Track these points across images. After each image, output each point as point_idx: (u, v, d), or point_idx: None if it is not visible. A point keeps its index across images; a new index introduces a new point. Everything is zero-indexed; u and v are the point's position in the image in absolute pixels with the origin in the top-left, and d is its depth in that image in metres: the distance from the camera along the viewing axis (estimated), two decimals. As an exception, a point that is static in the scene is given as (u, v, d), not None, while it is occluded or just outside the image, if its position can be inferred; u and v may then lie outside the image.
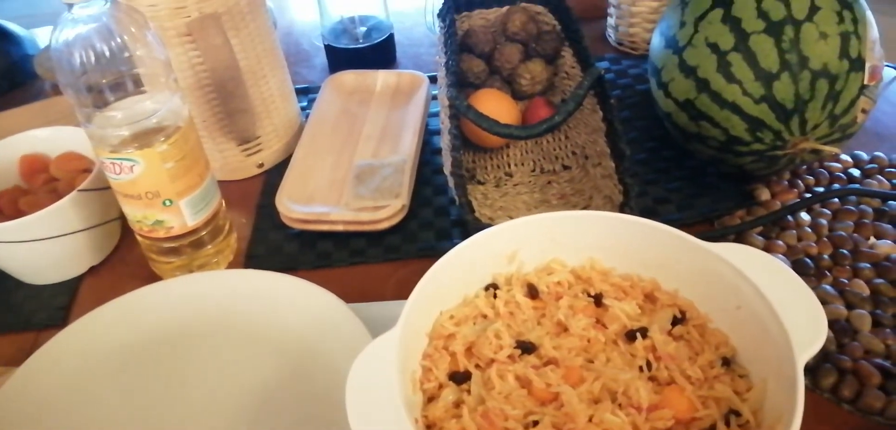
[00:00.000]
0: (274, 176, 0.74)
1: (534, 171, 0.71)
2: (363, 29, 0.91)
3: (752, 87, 0.57)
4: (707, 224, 0.64)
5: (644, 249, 0.47)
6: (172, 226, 0.59)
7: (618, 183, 0.60)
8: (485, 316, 0.46)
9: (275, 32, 0.75)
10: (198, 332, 0.57)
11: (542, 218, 0.47)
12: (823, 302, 0.53)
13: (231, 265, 0.65)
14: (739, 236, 0.61)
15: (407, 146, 0.71)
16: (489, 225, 0.47)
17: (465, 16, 0.79)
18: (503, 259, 0.48)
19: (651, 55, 0.69)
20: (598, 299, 0.46)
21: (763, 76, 0.56)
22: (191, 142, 0.57)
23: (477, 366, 0.43)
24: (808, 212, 0.62)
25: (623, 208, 0.58)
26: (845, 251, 0.58)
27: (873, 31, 0.58)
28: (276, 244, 0.66)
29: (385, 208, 0.64)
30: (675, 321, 0.45)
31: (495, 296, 0.47)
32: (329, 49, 0.91)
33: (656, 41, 0.67)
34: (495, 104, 0.69)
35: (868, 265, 0.57)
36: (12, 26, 1.01)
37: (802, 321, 0.39)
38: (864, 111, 0.59)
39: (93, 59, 0.50)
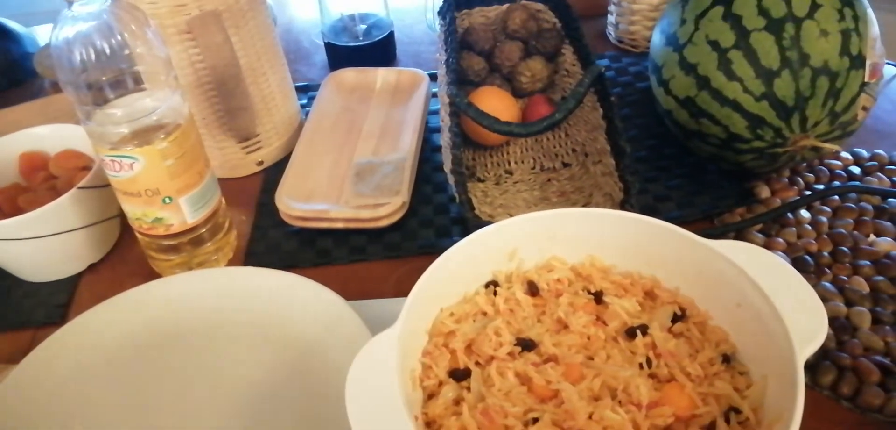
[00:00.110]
0: (274, 174, 0.74)
1: (534, 168, 0.71)
2: (363, 27, 0.91)
3: (753, 84, 0.57)
4: (707, 222, 0.64)
5: (644, 246, 0.47)
6: (172, 223, 0.59)
7: (618, 181, 0.60)
8: (485, 313, 0.46)
9: (275, 30, 0.74)
10: (197, 330, 0.57)
11: (542, 215, 0.47)
12: (823, 299, 0.52)
13: (231, 263, 0.65)
14: (740, 234, 0.61)
15: (407, 144, 0.71)
16: (489, 223, 0.47)
17: (465, 13, 0.79)
18: (503, 257, 0.48)
19: (651, 53, 0.69)
20: (598, 297, 0.46)
21: (764, 73, 0.56)
22: (191, 139, 0.57)
23: (477, 363, 0.43)
24: (808, 209, 0.62)
25: (623, 206, 0.58)
26: (845, 249, 0.58)
27: (874, 28, 0.58)
28: (275, 242, 0.66)
29: (385, 206, 0.64)
30: (676, 319, 0.45)
31: (495, 293, 0.47)
32: (329, 47, 0.91)
33: (657, 39, 0.67)
34: (495, 102, 0.69)
35: (868, 263, 0.56)
36: (12, 24, 1.01)
37: (803, 318, 0.39)
38: (864, 109, 0.59)
39: (93, 56, 0.50)
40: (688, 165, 0.69)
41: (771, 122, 0.57)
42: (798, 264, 0.57)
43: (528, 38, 0.77)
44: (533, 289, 0.47)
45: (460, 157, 0.59)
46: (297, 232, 0.67)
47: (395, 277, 0.62)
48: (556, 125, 0.60)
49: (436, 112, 0.80)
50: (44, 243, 0.60)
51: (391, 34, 0.92)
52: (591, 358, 0.43)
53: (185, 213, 0.59)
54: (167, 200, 0.57)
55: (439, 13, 0.74)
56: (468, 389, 0.42)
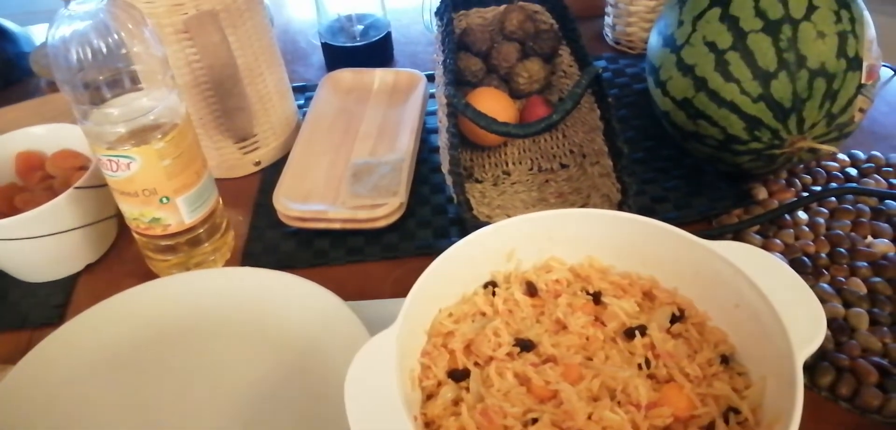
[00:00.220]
0: (271, 174, 0.73)
1: (531, 169, 0.71)
2: (360, 27, 0.91)
3: (750, 85, 0.57)
4: (705, 223, 0.64)
5: (643, 247, 0.47)
6: (169, 223, 0.58)
7: (616, 182, 0.60)
8: (484, 314, 0.46)
9: (272, 30, 0.74)
10: (195, 330, 0.56)
11: (541, 216, 0.47)
12: (821, 301, 0.52)
13: (228, 263, 0.65)
14: (737, 235, 0.61)
15: (404, 145, 0.71)
16: (487, 223, 0.47)
17: (462, 14, 0.79)
18: (502, 257, 0.48)
19: (649, 54, 0.69)
20: (596, 297, 0.46)
21: (761, 75, 0.56)
22: (188, 139, 0.57)
23: (476, 364, 0.43)
24: (806, 211, 0.63)
25: (621, 207, 0.58)
26: (843, 250, 0.58)
27: (870, 30, 0.58)
28: (273, 242, 0.66)
29: (382, 207, 0.64)
30: (674, 319, 0.45)
31: (494, 294, 0.47)
32: (326, 47, 0.91)
33: (654, 40, 0.67)
34: (493, 103, 0.69)
35: (865, 264, 0.57)
36: (7, 23, 1.00)
37: (801, 319, 0.39)
38: (861, 110, 0.59)
39: (90, 55, 0.50)
40: (685, 167, 0.69)
41: (768, 123, 0.57)
42: (795, 265, 0.57)
43: (525, 39, 0.77)
44: (531, 289, 0.47)
45: (458, 157, 0.59)
46: (294, 233, 0.67)
47: (392, 277, 0.62)
48: (553, 126, 0.61)
49: (433, 113, 0.80)
50: (41, 243, 0.60)
51: (388, 35, 0.92)
52: (590, 359, 0.43)
53: (182, 213, 0.58)
54: (164, 200, 0.57)
55: (436, 14, 0.74)
56: (467, 389, 0.42)
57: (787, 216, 0.62)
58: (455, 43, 0.74)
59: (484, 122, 0.60)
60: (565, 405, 0.39)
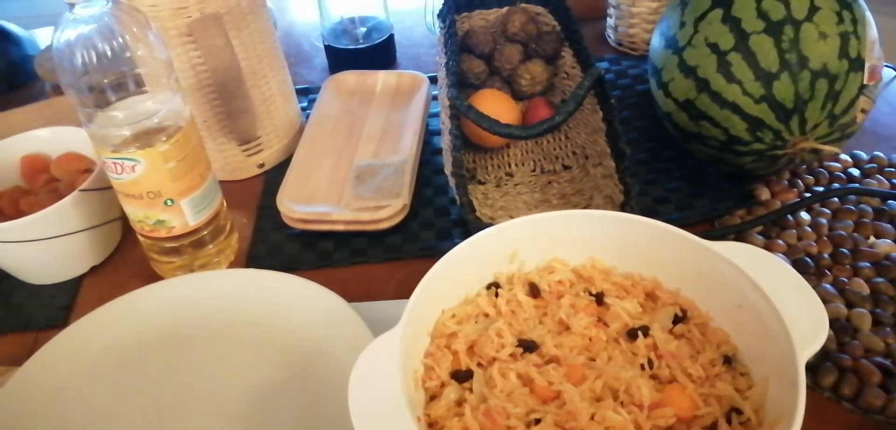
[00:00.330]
0: (274, 176, 0.74)
1: (534, 171, 0.72)
2: (363, 29, 0.91)
3: (752, 86, 0.57)
4: (707, 224, 0.64)
5: (645, 247, 0.47)
6: (174, 226, 0.59)
7: (618, 183, 0.60)
8: (486, 315, 0.46)
9: (275, 33, 0.75)
10: (199, 332, 0.57)
11: (543, 217, 0.48)
12: (823, 301, 0.52)
13: (232, 265, 0.65)
14: (740, 236, 0.61)
15: (407, 146, 0.71)
16: (490, 225, 0.48)
17: (464, 16, 0.79)
18: (504, 258, 0.48)
19: (651, 55, 0.69)
20: (599, 298, 0.47)
21: (763, 76, 0.56)
22: (192, 142, 0.57)
23: (479, 364, 0.43)
24: (808, 211, 0.63)
25: (624, 208, 0.59)
26: (845, 250, 0.58)
27: (872, 31, 0.58)
28: (277, 244, 0.66)
29: (386, 208, 0.64)
30: (677, 320, 0.45)
31: (497, 295, 0.47)
32: (329, 50, 0.91)
33: (656, 41, 0.67)
34: (495, 104, 0.69)
35: (868, 264, 0.57)
36: (12, 27, 1.01)
37: (803, 319, 0.39)
38: (863, 111, 0.59)
39: (94, 58, 0.50)
40: (687, 168, 0.70)
41: (770, 124, 0.57)
42: (798, 265, 0.57)
43: (527, 40, 0.77)
44: (534, 291, 0.47)
45: (461, 159, 0.60)
46: (298, 234, 0.67)
47: (396, 279, 0.62)
48: (556, 128, 0.61)
49: (436, 115, 0.80)
50: (46, 246, 0.60)
51: (391, 37, 0.92)
52: (593, 359, 0.43)
53: (186, 215, 0.59)
54: (169, 203, 0.57)
55: (439, 16, 0.74)
56: (470, 390, 0.42)
57: (789, 217, 0.62)
58: (458, 45, 0.74)
59: (486, 123, 0.60)
60: (568, 406, 0.39)
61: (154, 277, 0.63)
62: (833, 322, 0.52)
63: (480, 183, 0.71)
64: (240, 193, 0.73)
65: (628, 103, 0.80)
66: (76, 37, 0.50)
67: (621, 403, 0.40)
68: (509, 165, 0.72)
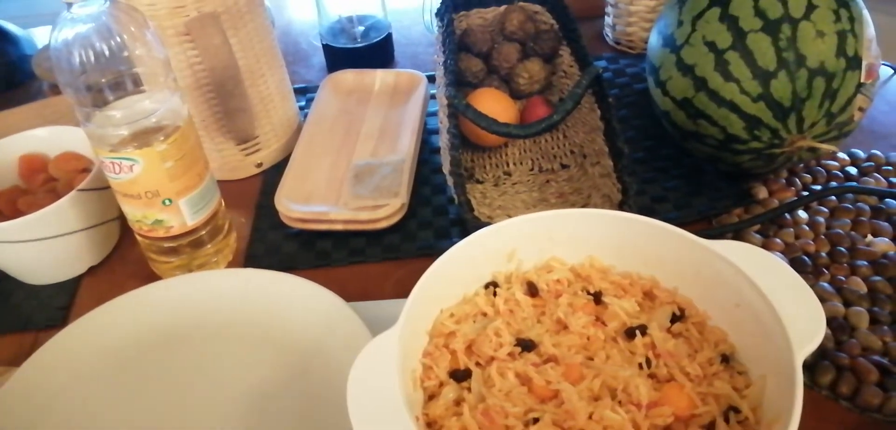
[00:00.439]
0: (273, 175, 0.74)
1: (532, 170, 0.72)
2: (361, 28, 0.91)
3: (750, 85, 0.57)
4: (705, 223, 0.64)
5: (643, 246, 0.47)
6: (172, 225, 0.59)
7: (616, 182, 0.60)
8: (485, 314, 0.46)
9: (273, 32, 0.75)
10: (197, 332, 0.57)
11: (541, 216, 0.48)
12: (821, 300, 0.53)
13: (230, 265, 0.65)
14: (737, 235, 0.61)
15: (405, 145, 0.71)
16: (488, 224, 0.48)
17: (462, 15, 0.79)
18: (502, 257, 0.49)
19: (649, 54, 0.69)
20: (597, 297, 0.47)
21: (760, 74, 0.56)
22: (190, 141, 0.57)
23: (477, 364, 0.43)
24: (806, 210, 0.63)
25: (622, 207, 0.59)
26: (843, 249, 0.58)
27: (870, 29, 0.59)
28: (275, 244, 0.66)
29: (384, 208, 0.64)
30: (675, 319, 0.45)
31: (495, 294, 0.47)
32: (327, 48, 0.91)
33: (654, 40, 0.67)
34: (494, 103, 0.69)
35: (865, 263, 0.57)
36: (10, 26, 1.01)
37: (801, 318, 0.39)
38: (860, 109, 0.59)
39: (92, 58, 0.50)
40: (685, 166, 0.70)
41: (768, 122, 0.57)
42: (796, 264, 0.57)
43: (525, 39, 0.77)
44: (532, 290, 0.48)
45: (459, 158, 0.60)
46: (296, 234, 0.67)
47: (394, 278, 0.62)
48: (554, 126, 0.61)
49: (434, 114, 0.80)
50: (44, 246, 0.60)
51: (389, 36, 0.92)
52: (591, 358, 0.43)
53: (184, 215, 0.59)
54: (167, 202, 0.57)
55: (437, 15, 0.74)
56: (469, 389, 0.42)
57: (787, 215, 0.62)
58: (455, 44, 0.74)
59: (485, 122, 0.60)
60: (566, 405, 0.39)
61: (152, 277, 0.63)
62: (830, 321, 0.52)
63: (478, 182, 0.71)
64: (238, 193, 0.73)
65: (626, 102, 0.80)
66: (74, 36, 0.50)
67: (619, 402, 0.40)
68: (507, 164, 0.73)
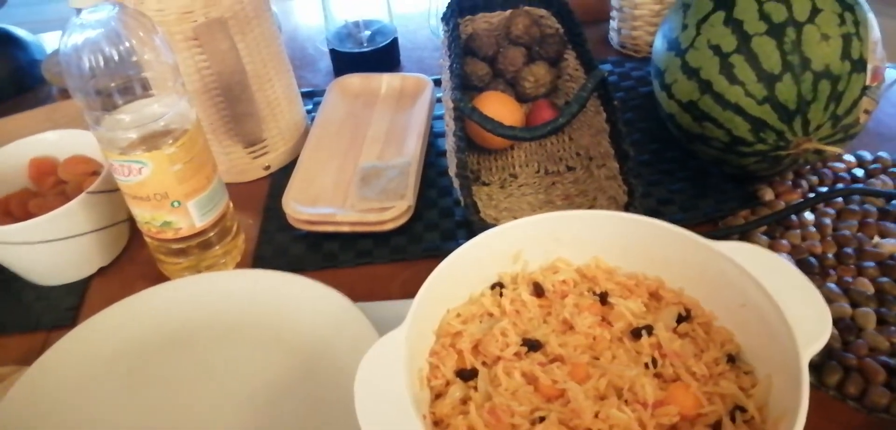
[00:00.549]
0: (280, 178, 0.74)
1: (538, 172, 0.72)
2: (367, 33, 0.91)
3: (755, 88, 0.57)
4: (711, 225, 0.64)
5: (649, 247, 0.47)
6: (180, 227, 0.59)
7: (622, 184, 0.61)
8: (491, 314, 0.47)
9: (280, 37, 0.75)
10: (206, 333, 0.57)
11: (547, 217, 0.48)
12: (828, 301, 0.53)
13: (239, 266, 0.65)
14: (744, 237, 0.61)
15: (411, 148, 0.72)
16: (494, 226, 0.48)
17: (468, 19, 0.79)
18: (508, 258, 0.49)
19: (654, 57, 0.69)
20: (603, 298, 0.47)
21: (765, 77, 0.57)
22: (198, 144, 0.58)
23: (484, 363, 0.44)
24: (813, 212, 0.63)
25: (627, 209, 0.59)
26: (849, 250, 0.58)
27: (875, 32, 0.59)
28: (283, 245, 0.67)
29: (390, 210, 0.64)
30: (681, 319, 0.45)
31: (501, 294, 0.47)
32: (334, 53, 0.92)
33: (659, 43, 0.68)
34: (499, 106, 0.70)
35: (872, 264, 0.57)
36: (20, 32, 1.02)
37: (807, 318, 0.39)
38: (866, 112, 0.59)
39: (101, 63, 0.51)
40: (691, 169, 0.70)
41: (773, 125, 0.57)
42: (802, 266, 0.57)
43: (531, 43, 0.77)
44: (538, 290, 0.48)
45: (465, 161, 0.60)
46: (304, 236, 0.67)
47: (401, 279, 0.62)
48: (559, 129, 0.61)
49: (440, 117, 0.81)
50: (54, 247, 0.61)
51: (395, 40, 0.92)
52: (597, 358, 0.43)
53: (193, 217, 0.59)
54: (175, 205, 0.58)
55: (443, 19, 0.75)
56: (475, 388, 0.42)
57: (793, 217, 0.62)
58: (461, 48, 0.75)
59: (490, 125, 0.60)
60: (572, 404, 0.40)
61: (161, 278, 0.63)
62: (837, 321, 0.52)
63: (484, 185, 0.71)
64: (246, 195, 0.73)
65: (632, 105, 0.80)
66: (83, 41, 0.51)
67: (625, 401, 0.40)
68: (513, 167, 0.73)
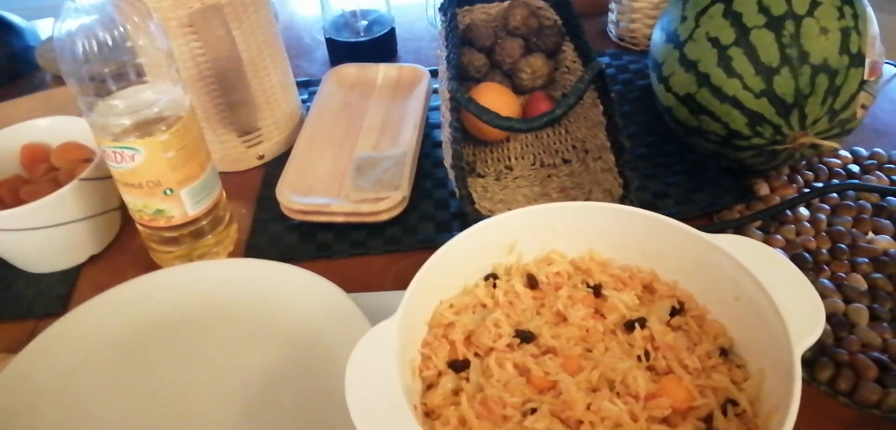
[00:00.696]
0: (274, 168, 0.74)
1: (534, 164, 0.72)
2: (364, 22, 0.91)
3: (753, 81, 0.57)
4: (706, 218, 0.64)
5: (643, 240, 0.47)
6: (173, 215, 0.59)
7: (618, 177, 0.60)
8: (484, 305, 0.46)
9: (276, 25, 0.75)
10: (197, 321, 0.57)
11: (542, 209, 0.48)
12: (821, 296, 0.53)
13: (231, 256, 0.65)
14: (739, 231, 0.61)
15: (407, 139, 0.72)
16: (489, 217, 0.48)
17: (466, 10, 0.79)
18: (503, 249, 0.49)
19: (652, 50, 0.69)
20: (596, 290, 0.47)
21: (763, 71, 0.56)
22: (192, 132, 0.57)
23: (476, 354, 0.44)
24: (807, 207, 0.63)
25: (623, 202, 0.59)
26: (843, 246, 0.58)
27: (873, 27, 0.58)
28: (276, 235, 0.67)
29: (385, 200, 0.64)
30: (674, 312, 0.45)
31: (495, 286, 0.47)
32: (330, 42, 0.91)
33: (657, 36, 0.67)
34: (496, 98, 0.69)
35: (866, 260, 0.57)
36: (14, 17, 1.01)
37: (800, 313, 0.39)
38: (863, 107, 0.59)
39: (95, 48, 0.50)
40: (687, 162, 0.70)
41: (770, 119, 0.57)
42: (796, 260, 0.57)
43: (528, 34, 0.77)
44: (532, 282, 0.48)
45: (461, 152, 0.60)
46: (297, 226, 0.67)
47: (394, 270, 0.62)
48: (556, 121, 0.61)
49: (436, 108, 0.80)
50: (45, 234, 0.60)
51: (392, 30, 0.92)
52: (590, 350, 0.43)
53: (186, 205, 0.59)
54: (168, 192, 0.57)
55: (440, 9, 0.74)
56: (467, 379, 0.42)
57: (788, 212, 0.62)
58: (458, 38, 0.74)
59: (487, 116, 0.60)
60: (564, 396, 0.40)
61: (153, 266, 0.63)
62: (830, 317, 0.52)
63: (480, 176, 0.71)
64: (239, 185, 0.73)
65: (629, 98, 0.80)
66: (77, 26, 0.50)
67: (617, 393, 0.40)
68: (509, 159, 0.73)
